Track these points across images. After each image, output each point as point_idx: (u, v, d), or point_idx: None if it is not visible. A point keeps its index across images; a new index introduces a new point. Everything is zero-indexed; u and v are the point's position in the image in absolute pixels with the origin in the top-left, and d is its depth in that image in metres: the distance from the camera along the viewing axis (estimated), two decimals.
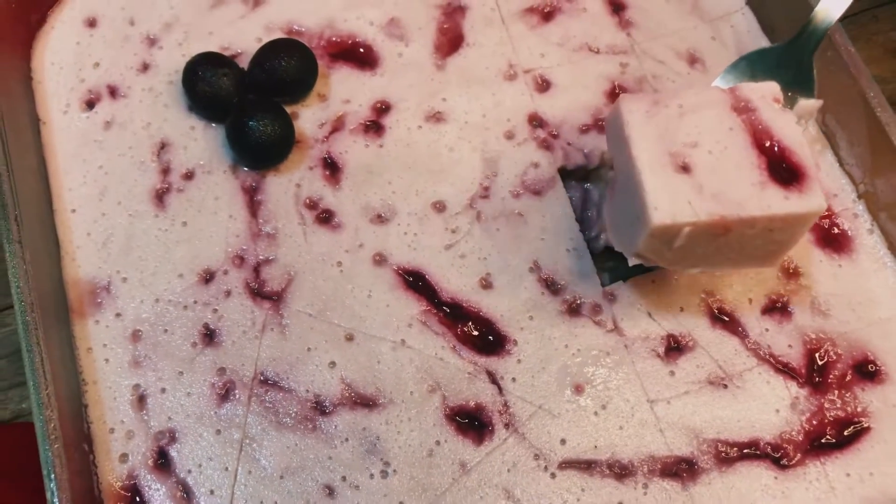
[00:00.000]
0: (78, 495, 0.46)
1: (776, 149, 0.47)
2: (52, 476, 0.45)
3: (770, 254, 0.49)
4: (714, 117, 0.48)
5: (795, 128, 0.48)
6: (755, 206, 0.46)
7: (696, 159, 0.47)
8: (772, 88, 0.49)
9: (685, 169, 0.47)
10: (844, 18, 0.69)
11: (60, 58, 0.60)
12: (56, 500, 0.44)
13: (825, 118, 0.60)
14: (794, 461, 0.51)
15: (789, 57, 0.56)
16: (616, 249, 0.52)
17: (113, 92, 0.59)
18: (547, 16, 0.63)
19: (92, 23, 0.61)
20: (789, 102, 0.55)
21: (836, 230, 0.57)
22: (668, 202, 0.46)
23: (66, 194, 0.56)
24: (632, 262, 0.51)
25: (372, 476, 0.50)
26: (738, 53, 0.62)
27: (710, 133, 0.48)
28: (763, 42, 0.64)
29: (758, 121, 0.48)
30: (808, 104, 0.56)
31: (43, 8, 0.61)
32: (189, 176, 0.57)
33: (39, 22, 0.61)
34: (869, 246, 0.57)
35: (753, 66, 0.57)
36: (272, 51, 0.57)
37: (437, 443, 0.51)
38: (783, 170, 0.47)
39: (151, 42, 0.61)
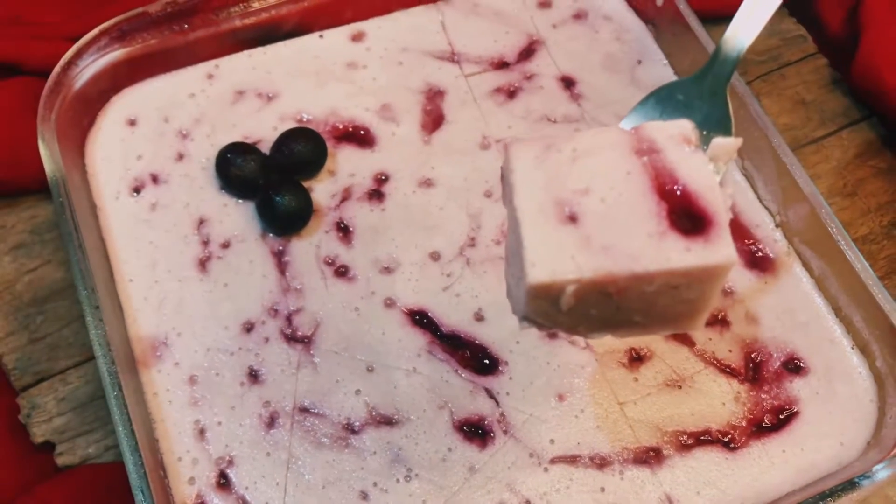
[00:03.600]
0: None
1: (680, 194, 0.42)
2: (142, 497, 0.55)
3: (682, 315, 0.44)
4: (610, 161, 0.43)
5: (706, 171, 0.43)
6: (650, 259, 0.40)
7: (586, 208, 0.42)
8: (682, 127, 0.43)
9: (572, 219, 0.42)
10: (756, 78, 0.83)
11: (108, 153, 0.71)
12: None
13: (744, 163, 0.73)
14: (740, 444, 0.62)
15: (701, 90, 0.51)
16: (513, 314, 0.47)
17: (155, 179, 0.70)
18: (511, 94, 0.76)
19: (132, 122, 0.73)
20: (706, 142, 0.50)
21: (760, 254, 0.70)
22: (549, 257, 0.41)
23: (124, 266, 0.67)
24: (521, 326, 0.46)
25: (398, 481, 0.60)
26: None
27: (603, 178, 0.42)
28: None
29: (661, 164, 0.42)
30: (724, 143, 0.47)
31: (92, 112, 0.72)
32: (226, 245, 0.68)
33: (90, 124, 0.72)
34: (787, 265, 0.69)
35: (663, 103, 0.52)
36: (289, 138, 0.69)
37: (449, 449, 0.61)
38: (687, 218, 0.42)
39: (184, 135, 0.72)
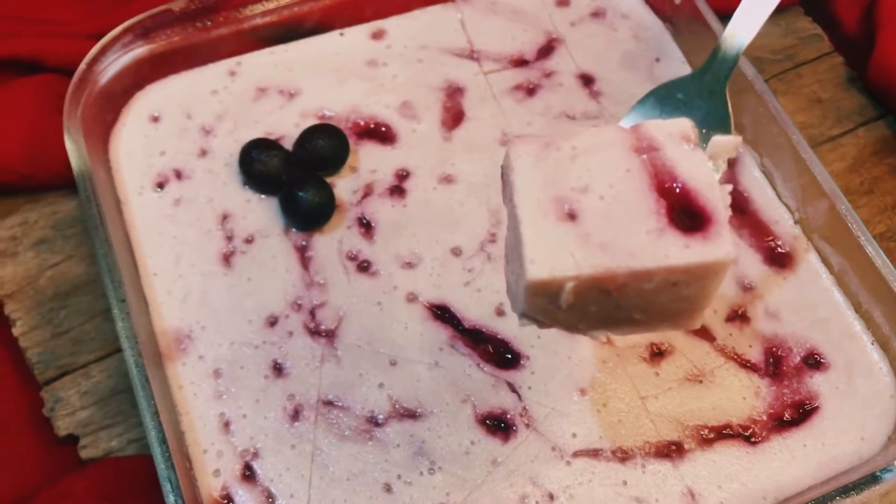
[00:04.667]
0: (189, 502, 0.56)
1: (679, 192, 0.42)
2: (171, 489, 0.55)
3: (682, 312, 0.44)
4: (610, 159, 0.43)
5: (705, 168, 0.43)
6: (649, 256, 0.41)
7: (585, 205, 0.42)
8: (681, 125, 0.44)
9: (572, 217, 0.42)
10: (772, 77, 0.84)
11: (132, 149, 0.72)
12: None
13: (763, 160, 0.73)
14: (761, 438, 0.63)
15: (701, 88, 0.51)
16: (513, 311, 0.47)
17: (178, 174, 0.71)
18: (530, 91, 0.76)
19: (156, 118, 0.73)
20: (705, 140, 0.50)
21: (779, 250, 0.70)
22: (548, 254, 0.41)
23: (148, 261, 0.67)
24: (521, 323, 0.46)
25: (421, 474, 0.61)
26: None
27: (603, 176, 0.43)
28: None
29: (661, 161, 0.43)
30: (724, 141, 0.47)
31: (116, 109, 0.73)
32: (249, 240, 0.68)
33: (113, 120, 0.73)
34: (806, 261, 0.70)
35: (663, 101, 0.52)
36: (312, 134, 0.70)
37: (472, 443, 0.62)
38: (686, 215, 0.42)
39: (207, 132, 0.73)
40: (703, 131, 0.50)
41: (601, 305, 0.43)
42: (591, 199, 0.43)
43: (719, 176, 0.46)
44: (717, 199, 0.42)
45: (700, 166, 0.43)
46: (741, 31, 0.52)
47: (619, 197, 0.42)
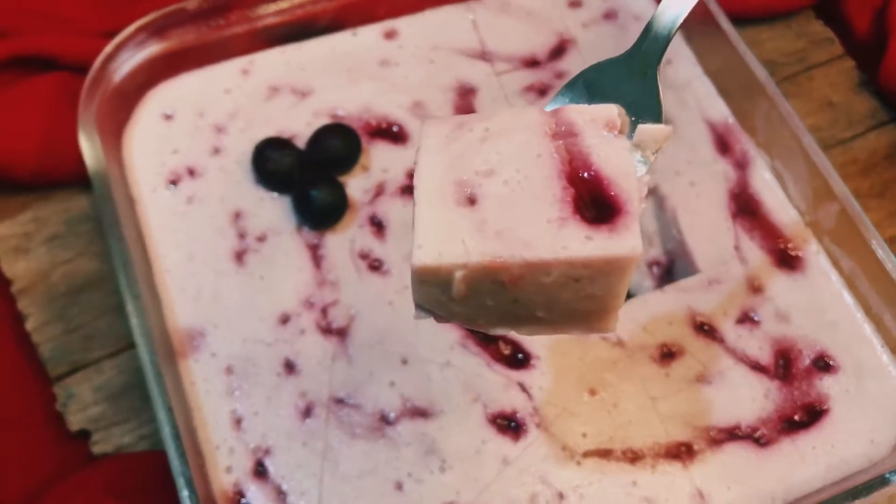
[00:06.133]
0: (203, 498, 0.57)
1: (591, 180, 0.39)
2: (184, 483, 0.55)
3: (591, 312, 0.41)
4: (521, 142, 0.40)
5: (623, 156, 0.40)
6: (545, 247, 0.38)
7: (487, 190, 0.39)
8: (607, 111, 0.41)
9: (471, 201, 0.39)
10: (783, 79, 0.84)
11: (145, 147, 0.72)
12: (190, 503, 0.55)
13: (774, 162, 0.73)
14: (770, 440, 0.63)
15: (631, 71, 0.47)
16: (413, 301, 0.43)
17: (191, 172, 0.71)
18: (542, 92, 0.77)
19: (168, 117, 0.74)
20: (634, 128, 0.45)
21: (790, 253, 0.70)
22: (438, 240, 0.38)
23: (161, 258, 0.68)
24: (416, 315, 0.43)
25: (432, 472, 0.61)
26: (700, 113, 0.76)
27: (511, 160, 0.40)
28: (720, 106, 0.77)
29: (577, 148, 0.40)
30: (652, 130, 0.44)
31: (129, 107, 0.73)
32: (262, 238, 0.69)
33: (126, 119, 0.73)
34: (817, 264, 0.70)
35: (591, 85, 0.47)
36: (325, 133, 0.70)
37: (483, 442, 0.62)
38: (596, 205, 0.39)
39: (219, 130, 0.73)
40: (633, 119, 0.44)
41: (498, 299, 0.40)
42: (495, 184, 0.39)
43: (647, 167, 0.43)
44: (631, 190, 0.39)
45: (618, 155, 0.40)
46: (673, 7, 0.47)
47: (525, 183, 0.39)
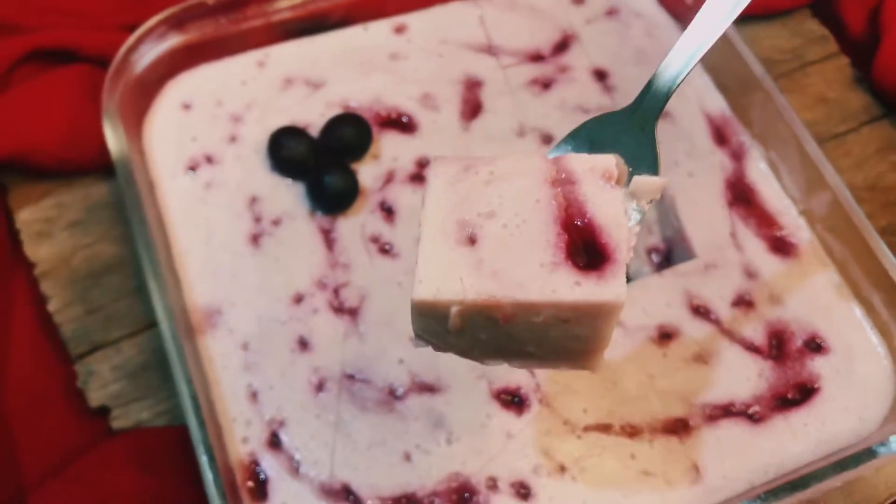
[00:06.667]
0: (221, 466, 0.59)
1: (584, 228, 0.42)
2: (204, 450, 0.58)
3: (577, 352, 0.43)
4: (522, 188, 0.43)
5: (616, 207, 0.42)
6: (536, 289, 0.40)
7: (487, 232, 0.42)
8: (605, 162, 0.44)
9: (472, 241, 0.42)
10: (779, 76, 0.86)
11: (165, 135, 0.75)
12: (209, 469, 0.58)
13: (769, 154, 0.76)
14: (763, 417, 0.66)
15: (631, 125, 0.49)
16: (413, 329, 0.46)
17: (209, 159, 0.74)
18: (546, 85, 0.79)
19: (187, 106, 0.77)
20: (631, 178, 0.47)
21: (784, 240, 0.73)
22: (437, 276, 0.41)
23: (180, 241, 0.70)
24: (416, 344, 0.46)
25: (439, 444, 0.64)
26: (699, 105, 0.79)
27: (511, 204, 0.43)
28: (718, 99, 0.80)
29: (574, 195, 0.43)
30: (647, 182, 0.46)
31: (149, 97, 0.76)
32: (276, 222, 0.72)
33: (147, 108, 0.76)
34: (810, 251, 0.73)
35: (593, 136, 0.50)
36: (337, 122, 0.73)
37: (487, 416, 0.65)
38: (587, 252, 0.42)
39: (236, 119, 0.76)
40: (630, 170, 0.47)
41: (491, 334, 0.43)
42: (495, 226, 0.42)
43: (640, 218, 0.45)
44: (620, 240, 0.42)
45: (612, 205, 0.43)
46: (674, 67, 0.50)
47: (523, 227, 0.42)
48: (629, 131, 0.49)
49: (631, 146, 0.49)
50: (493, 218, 0.42)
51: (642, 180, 0.46)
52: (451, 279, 0.41)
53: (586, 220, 0.42)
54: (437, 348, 0.46)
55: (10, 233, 0.75)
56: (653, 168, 0.48)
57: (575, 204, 0.43)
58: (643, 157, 0.48)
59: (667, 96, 0.50)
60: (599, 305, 0.41)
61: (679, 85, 0.51)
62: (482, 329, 0.42)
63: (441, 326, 0.42)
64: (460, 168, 0.44)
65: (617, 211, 0.42)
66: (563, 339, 0.42)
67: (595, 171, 0.43)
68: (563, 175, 0.43)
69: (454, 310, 0.41)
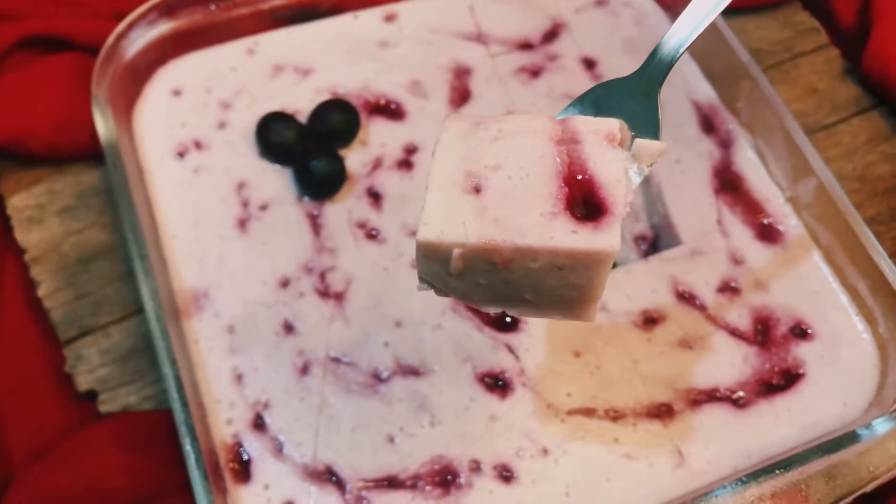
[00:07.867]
0: (204, 447, 0.60)
1: (584, 183, 0.44)
2: (186, 430, 0.58)
3: (573, 300, 0.45)
4: (528, 144, 0.45)
5: (617, 165, 0.45)
6: (535, 235, 0.42)
7: (492, 182, 0.44)
8: (609, 124, 0.46)
9: (476, 190, 0.44)
10: (770, 67, 0.87)
11: (154, 121, 0.76)
12: (191, 449, 0.58)
13: (756, 141, 0.76)
14: (747, 402, 0.66)
15: (636, 91, 0.51)
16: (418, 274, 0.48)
17: (198, 145, 0.75)
18: (534, 73, 0.80)
19: (177, 92, 0.77)
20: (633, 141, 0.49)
21: (770, 226, 0.73)
22: (442, 220, 0.43)
23: (168, 224, 0.71)
24: (419, 287, 0.48)
25: (423, 426, 0.64)
26: (686, 94, 0.79)
27: (517, 158, 0.45)
28: (706, 87, 0.80)
29: (577, 153, 0.45)
30: (647, 145, 0.48)
31: (140, 83, 0.77)
32: (264, 207, 0.72)
33: (137, 94, 0.76)
34: (796, 237, 0.73)
35: (600, 100, 0.52)
36: (325, 108, 0.74)
37: (471, 399, 0.65)
38: (586, 206, 0.44)
39: (225, 105, 0.77)
40: (633, 134, 0.49)
41: (490, 279, 0.45)
42: (500, 177, 0.45)
43: (640, 179, 0.47)
44: (618, 196, 0.44)
45: (612, 164, 0.45)
46: (678, 36, 0.52)
47: (526, 179, 0.44)
48: (633, 97, 0.51)
49: (635, 111, 0.50)
50: (499, 170, 0.44)
51: (644, 143, 0.48)
52: (454, 223, 0.43)
53: (587, 176, 0.44)
54: (439, 292, 0.47)
55: (2, 218, 0.76)
56: (655, 133, 0.50)
57: (577, 162, 0.45)
58: (646, 122, 0.50)
59: (670, 64, 0.52)
60: (593, 253, 0.43)
61: (683, 53, 0.52)
62: (482, 274, 0.44)
63: (444, 269, 0.44)
64: (471, 124, 0.46)
65: (616, 169, 0.45)
66: (558, 287, 0.44)
67: (599, 133, 0.46)
68: (568, 135, 0.45)
69: (456, 252, 0.43)
